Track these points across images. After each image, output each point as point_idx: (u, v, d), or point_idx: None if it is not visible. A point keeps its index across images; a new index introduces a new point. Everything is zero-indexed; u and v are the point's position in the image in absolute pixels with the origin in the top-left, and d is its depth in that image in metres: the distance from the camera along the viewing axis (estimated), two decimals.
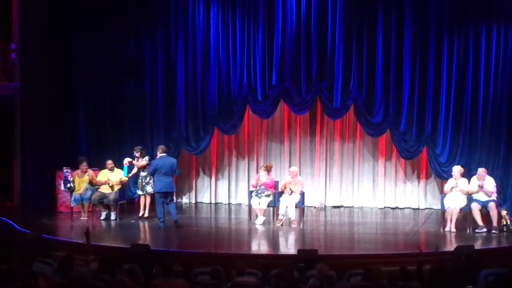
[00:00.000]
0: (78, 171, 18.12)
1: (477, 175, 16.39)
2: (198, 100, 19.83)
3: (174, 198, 20.62)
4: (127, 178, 18.22)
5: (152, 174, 17.09)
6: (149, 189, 17.85)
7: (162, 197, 16.77)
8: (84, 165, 18.15)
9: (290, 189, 16.99)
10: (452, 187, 16.35)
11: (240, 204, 20.42)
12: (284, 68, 19.08)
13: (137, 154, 18.10)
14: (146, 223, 17.48)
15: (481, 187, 16.15)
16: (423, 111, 18.50)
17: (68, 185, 18.01)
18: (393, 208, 19.67)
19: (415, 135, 18.60)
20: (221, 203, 20.78)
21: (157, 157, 17.26)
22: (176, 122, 19.94)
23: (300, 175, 18.70)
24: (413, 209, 19.56)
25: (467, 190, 16.27)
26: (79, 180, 18.08)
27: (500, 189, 17.25)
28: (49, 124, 19.56)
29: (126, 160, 18.21)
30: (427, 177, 19.51)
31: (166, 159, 17.11)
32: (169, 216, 16.87)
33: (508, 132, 17.98)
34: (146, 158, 18.06)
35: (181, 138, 19.87)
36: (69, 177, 18.00)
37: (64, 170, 18.11)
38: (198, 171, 20.92)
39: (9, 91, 18.89)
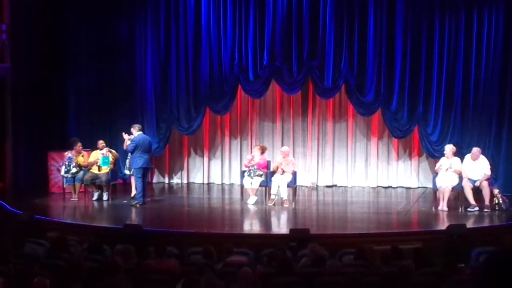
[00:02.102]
0: (73, 152, 18.05)
1: (471, 154, 16.38)
2: (189, 80, 19.77)
3: (167, 178, 20.79)
4: (109, 167, 18.04)
5: (133, 151, 17.11)
6: None
7: (142, 172, 17.03)
8: (79, 145, 18.09)
9: (282, 169, 16.99)
10: (447, 168, 16.29)
11: (232, 184, 20.40)
12: (275, 47, 19.02)
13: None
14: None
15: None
16: (414, 90, 18.49)
17: (73, 170, 17.87)
18: (385, 187, 19.69)
19: (406, 114, 18.59)
20: (213, 183, 20.77)
21: (134, 135, 17.26)
22: (167, 102, 19.90)
23: (292, 154, 18.71)
24: (406, 188, 19.58)
25: (461, 170, 16.26)
26: (82, 159, 18.05)
27: (492, 168, 17.28)
28: (40, 105, 19.51)
29: (105, 150, 18.05)
30: (419, 156, 19.52)
31: (144, 137, 17.42)
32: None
33: (499, 111, 18.02)
34: None
35: (173, 118, 19.83)
36: (72, 163, 17.87)
37: (68, 155, 17.99)
38: (190, 151, 20.90)
39: (0, 72, 18.82)
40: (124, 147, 17.66)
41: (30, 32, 19.25)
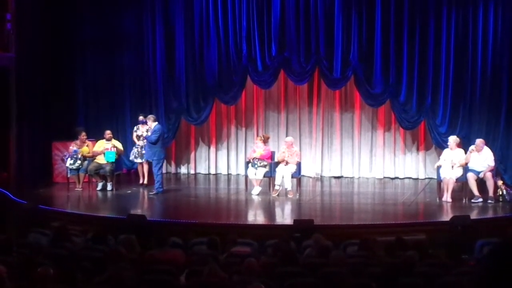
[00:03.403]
0: (78, 141, 18.04)
1: (474, 145, 16.34)
2: (198, 71, 19.71)
3: (174, 168, 20.82)
4: (112, 162, 17.97)
5: (156, 141, 17.14)
6: None
7: (162, 163, 17.49)
8: (83, 135, 18.11)
9: (286, 160, 16.97)
10: (452, 166, 16.22)
11: (239, 174, 20.35)
12: (284, 38, 18.93)
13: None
14: (145, 192, 17.60)
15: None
16: (423, 82, 18.39)
17: (78, 162, 17.87)
18: (393, 178, 19.60)
19: (415, 106, 18.49)
20: (220, 173, 20.74)
21: (152, 125, 17.27)
22: (176, 92, 19.82)
23: (299, 145, 18.68)
24: (413, 179, 19.50)
25: (465, 162, 16.22)
26: (87, 149, 18.04)
27: (501, 159, 17.23)
28: (46, 95, 19.45)
29: (110, 145, 18.01)
30: (426, 148, 19.43)
31: (162, 127, 17.74)
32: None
33: (508, 102, 17.83)
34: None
35: (182, 109, 19.75)
36: (78, 155, 17.86)
37: (73, 149, 17.96)
38: (197, 141, 20.86)
39: (5, 62, 18.76)
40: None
41: (36, 21, 19.17)
